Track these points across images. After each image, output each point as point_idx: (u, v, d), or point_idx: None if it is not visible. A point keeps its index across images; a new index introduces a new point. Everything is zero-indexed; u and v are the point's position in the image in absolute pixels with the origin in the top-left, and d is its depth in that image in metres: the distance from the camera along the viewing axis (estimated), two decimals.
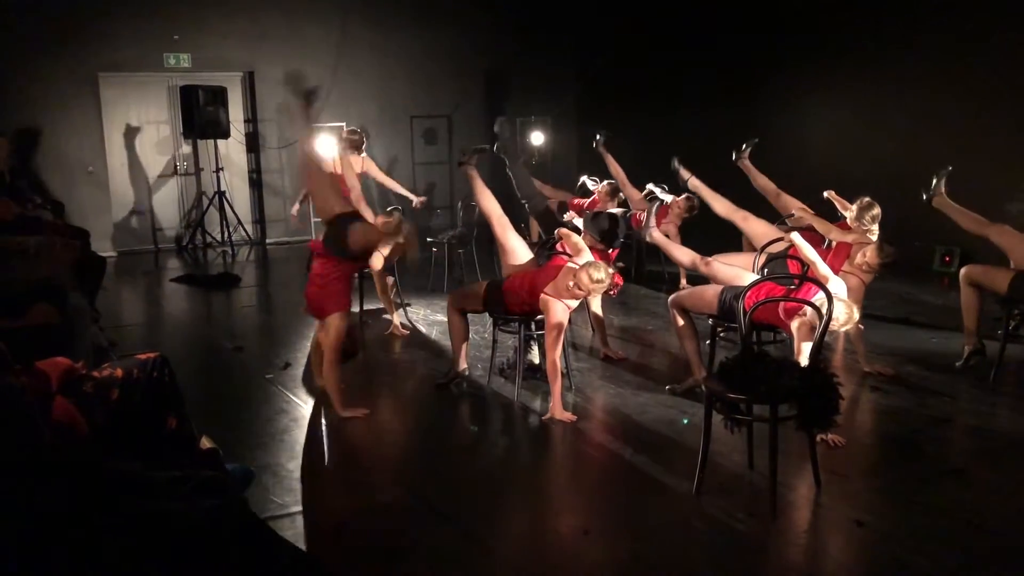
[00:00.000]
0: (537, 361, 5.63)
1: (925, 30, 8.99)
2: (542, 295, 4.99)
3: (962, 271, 5.77)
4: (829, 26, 9.79)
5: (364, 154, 8.32)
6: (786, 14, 10.19)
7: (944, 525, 3.65)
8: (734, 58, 10.67)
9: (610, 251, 6.24)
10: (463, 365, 5.50)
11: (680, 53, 11.22)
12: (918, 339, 6.48)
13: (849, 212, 5.90)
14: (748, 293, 4.43)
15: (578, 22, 11.88)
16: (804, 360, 4.22)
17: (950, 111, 8.83)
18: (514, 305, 5.18)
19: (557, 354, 4.89)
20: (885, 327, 6.81)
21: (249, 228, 11.51)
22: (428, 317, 7.50)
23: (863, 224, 5.74)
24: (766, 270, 5.37)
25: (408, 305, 7.69)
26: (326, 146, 7.73)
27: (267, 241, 11.57)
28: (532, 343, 5.61)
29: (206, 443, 3.53)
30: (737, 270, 5.35)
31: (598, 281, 4.82)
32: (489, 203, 5.67)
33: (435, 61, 11.67)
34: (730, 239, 6.88)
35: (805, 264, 4.89)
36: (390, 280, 7.18)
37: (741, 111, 10.30)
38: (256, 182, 11.52)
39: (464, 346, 5.51)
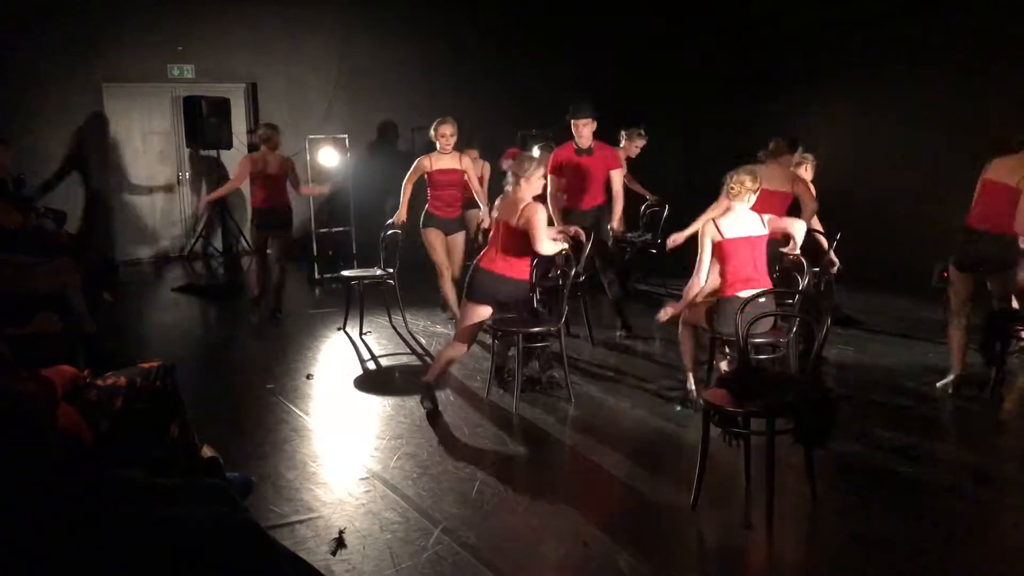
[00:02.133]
0: (536, 374, 5.66)
1: (922, 48, 9.06)
2: (523, 211, 5.17)
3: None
4: (828, 44, 9.85)
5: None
6: (788, 34, 10.26)
7: (940, 539, 3.68)
8: (737, 73, 10.73)
9: None
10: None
11: (684, 68, 11.29)
12: (916, 354, 6.50)
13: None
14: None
15: (581, 35, 11.93)
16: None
17: (944, 126, 8.87)
18: (491, 262, 5.33)
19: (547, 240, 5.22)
20: (884, 342, 6.84)
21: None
22: (428, 328, 7.53)
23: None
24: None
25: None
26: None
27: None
28: (533, 355, 5.64)
29: (207, 452, 3.56)
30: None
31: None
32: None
33: (437, 72, 11.71)
34: None
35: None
36: None
37: (744, 124, 10.30)
38: None
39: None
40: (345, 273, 7.61)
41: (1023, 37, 8.24)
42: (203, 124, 10.36)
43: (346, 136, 10.43)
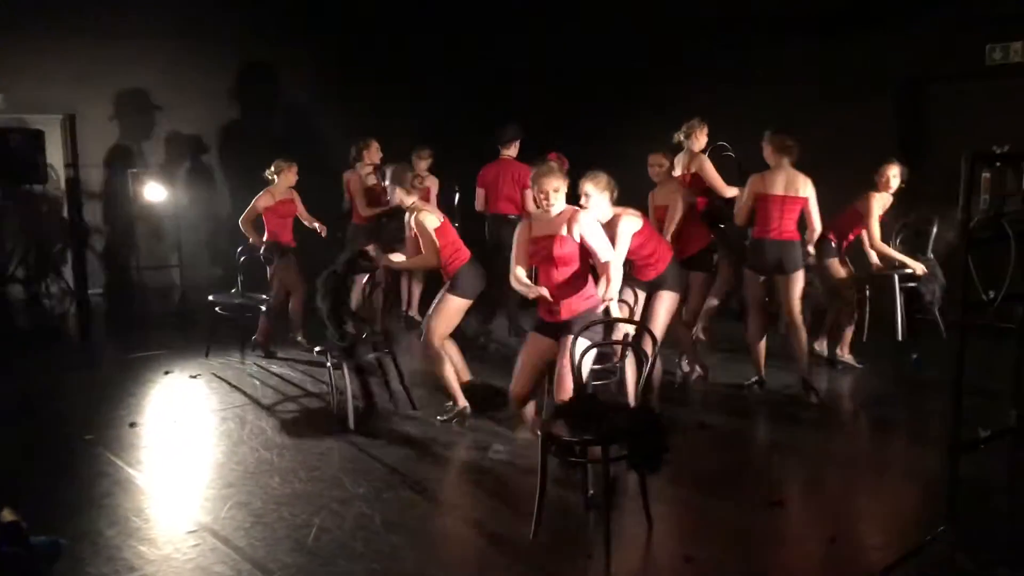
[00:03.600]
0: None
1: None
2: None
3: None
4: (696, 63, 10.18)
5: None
6: (619, 63, 10.60)
7: (769, 554, 3.83)
8: (605, 89, 10.89)
9: None
10: (462, 403, 5.67)
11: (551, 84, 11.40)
12: (747, 374, 6.74)
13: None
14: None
15: (426, 68, 11.92)
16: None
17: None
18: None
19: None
20: (723, 358, 7.11)
21: (69, 278, 10.83)
22: (264, 368, 7.25)
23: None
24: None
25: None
26: None
27: (89, 292, 10.91)
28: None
29: (7, 515, 3.26)
30: None
31: None
32: None
33: (273, 104, 11.42)
34: None
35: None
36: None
37: (610, 140, 10.41)
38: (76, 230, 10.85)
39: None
40: (212, 298, 7.37)
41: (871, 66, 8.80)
42: (14, 157, 9.66)
43: (173, 169, 9.98)
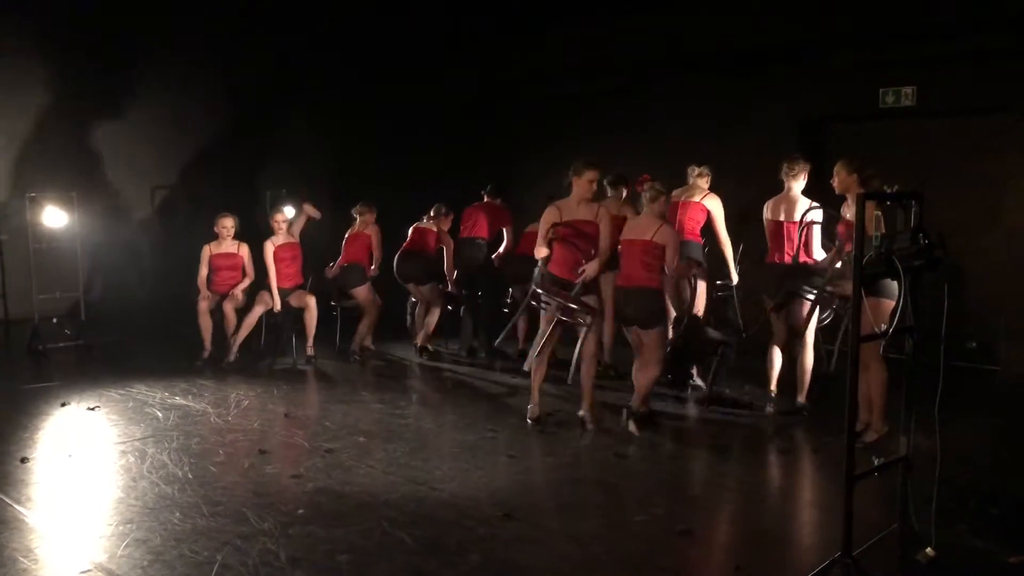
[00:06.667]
0: None
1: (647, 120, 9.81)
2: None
3: None
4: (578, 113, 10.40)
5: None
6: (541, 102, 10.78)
7: None
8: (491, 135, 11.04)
9: None
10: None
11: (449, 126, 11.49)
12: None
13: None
14: None
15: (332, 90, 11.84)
16: None
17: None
18: None
19: None
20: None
21: None
22: (166, 400, 7.02)
23: None
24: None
25: None
26: None
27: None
28: None
29: None
30: None
31: None
32: None
33: (180, 129, 11.15)
34: None
35: None
36: None
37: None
38: None
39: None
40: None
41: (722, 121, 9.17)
42: None
43: (74, 194, 9.62)
